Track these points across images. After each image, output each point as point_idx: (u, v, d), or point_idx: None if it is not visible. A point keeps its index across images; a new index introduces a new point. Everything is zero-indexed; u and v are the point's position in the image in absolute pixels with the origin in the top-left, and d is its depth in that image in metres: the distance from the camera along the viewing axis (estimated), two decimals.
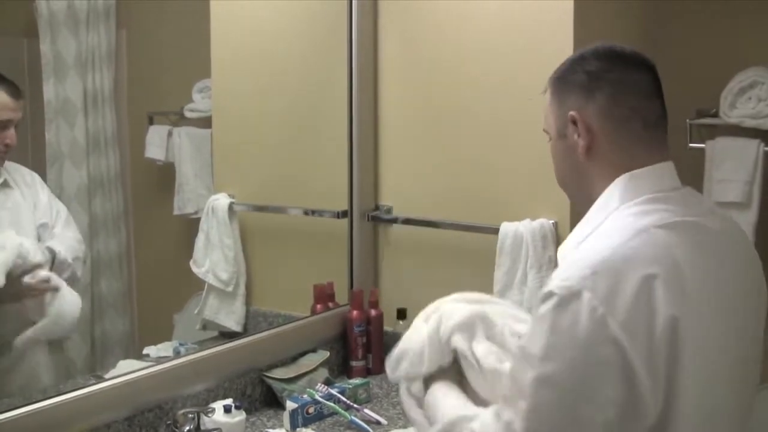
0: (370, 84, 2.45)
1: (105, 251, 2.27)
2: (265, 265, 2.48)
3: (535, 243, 2.12)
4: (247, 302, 2.44)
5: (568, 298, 1.09)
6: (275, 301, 2.44)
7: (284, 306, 2.41)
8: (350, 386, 2.09)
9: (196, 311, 2.39)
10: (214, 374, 1.97)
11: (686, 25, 2.66)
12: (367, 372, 2.31)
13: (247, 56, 2.53)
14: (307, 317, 2.34)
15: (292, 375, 2.11)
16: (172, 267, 2.49)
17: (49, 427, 1.59)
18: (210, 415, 1.80)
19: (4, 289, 1.81)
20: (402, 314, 2.32)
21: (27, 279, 1.88)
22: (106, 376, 1.82)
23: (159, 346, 2.18)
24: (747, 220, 2.45)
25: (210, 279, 2.39)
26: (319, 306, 2.36)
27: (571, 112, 1.28)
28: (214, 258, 2.40)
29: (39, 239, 1.99)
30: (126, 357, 2.16)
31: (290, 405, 1.95)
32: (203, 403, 1.89)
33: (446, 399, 1.36)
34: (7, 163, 1.97)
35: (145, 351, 2.17)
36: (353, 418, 1.97)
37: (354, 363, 2.32)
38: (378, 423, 1.97)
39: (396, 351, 1.45)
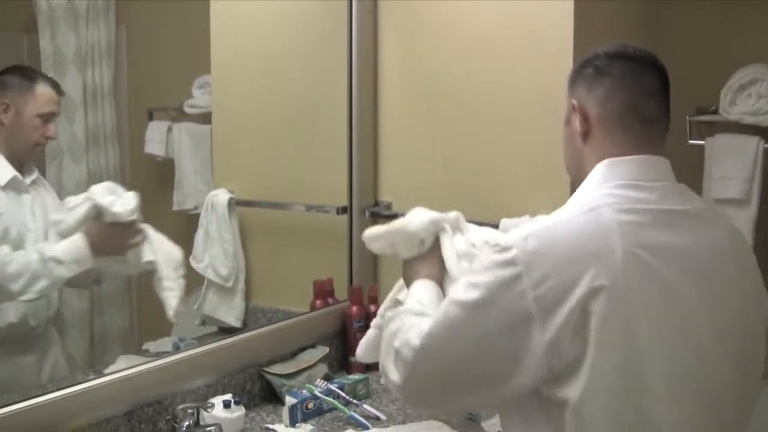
0: (369, 80, 2.45)
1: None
2: (264, 261, 2.48)
3: None
4: (247, 298, 2.44)
5: (504, 252, 1.22)
6: (275, 296, 2.44)
7: (284, 302, 2.41)
8: (349, 382, 2.09)
9: (195, 306, 2.39)
10: (214, 370, 1.97)
11: (686, 22, 2.67)
12: (366, 368, 2.30)
13: (248, 52, 2.53)
14: (306, 313, 2.34)
15: (291, 370, 2.11)
16: None
17: (48, 422, 1.59)
18: (209, 410, 1.80)
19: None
20: None
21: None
22: (106, 371, 1.82)
23: (158, 341, 2.18)
24: (746, 216, 2.46)
25: (209, 274, 2.39)
26: (318, 302, 2.37)
27: (573, 100, 1.39)
28: (213, 253, 2.40)
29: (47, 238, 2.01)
30: (125, 352, 2.16)
31: (289, 400, 1.96)
32: (202, 399, 1.89)
33: (418, 291, 1.53)
34: None
35: (145, 346, 2.17)
36: (352, 413, 1.97)
37: (353, 359, 2.31)
38: (377, 418, 1.98)
39: None
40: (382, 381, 1.45)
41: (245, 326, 2.40)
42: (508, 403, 1.28)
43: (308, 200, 2.49)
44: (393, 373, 1.33)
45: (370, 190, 2.48)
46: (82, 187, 2.19)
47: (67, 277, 1.90)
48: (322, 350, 2.23)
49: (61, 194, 2.10)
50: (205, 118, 2.48)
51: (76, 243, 1.92)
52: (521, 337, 1.19)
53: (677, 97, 2.68)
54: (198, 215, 2.41)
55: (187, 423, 1.75)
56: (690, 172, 2.58)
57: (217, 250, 2.40)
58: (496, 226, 2.19)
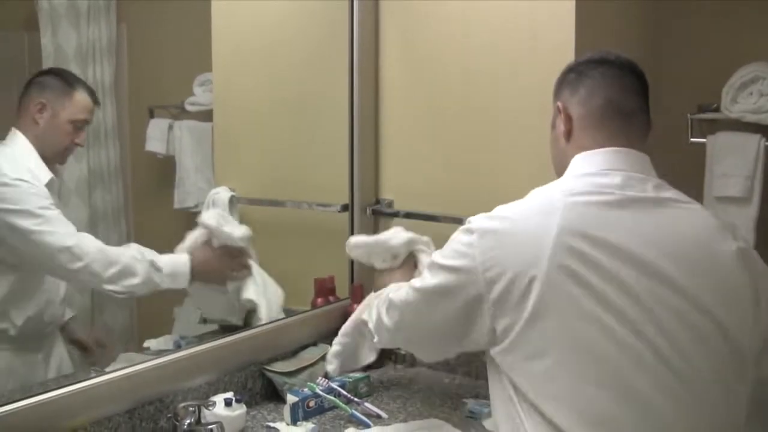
0: (371, 77, 2.45)
1: (105, 244, 2.27)
2: (265, 259, 2.47)
3: None
4: None
5: (467, 229, 1.40)
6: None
7: (285, 300, 2.41)
8: (351, 380, 2.09)
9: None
10: (215, 368, 1.97)
11: (688, 21, 2.66)
12: (367, 366, 2.30)
13: (249, 50, 2.52)
14: (307, 311, 2.34)
15: (292, 368, 2.11)
16: None
17: (49, 420, 1.59)
18: (211, 408, 1.80)
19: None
20: None
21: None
22: (107, 369, 1.82)
23: (159, 339, 2.18)
24: (748, 215, 2.45)
25: None
26: (319, 300, 2.37)
27: (558, 103, 1.51)
28: None
29: None
30: (126, 350, 2.16)
31: (291, 398, 1.96)
32: (204, 397, 1.89)
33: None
34: None
35: (146, 344, 2.17)
36: (354, 411, 1.97)
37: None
38: (379, 417, 1.97)
39: None
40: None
41: (246, 324, 2.39)
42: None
43: (309, 198, 2.49)
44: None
45: (372, 187, 2.48)
46: (83, 184, 2.19)
47: (160, 285, 1.97)
48: (324, 348, 2.23)
49: (62, 192, 2.10)
50: (206, 115, 2.48)
51: (180, 259, 2.04)
52: (470, 301, 1.37)
53: (679, 94, 2.70)
54: (199, 213, 2.41)
55: (188, 421, 1.75)
56: (691, 169, 2.60)
57: None
58: None
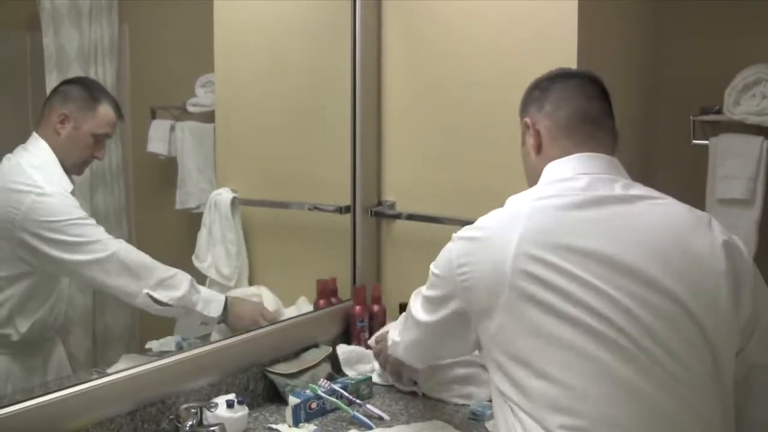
0: (373, 79, 2.45)
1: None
2: (267, 261, 2.48)
3: None
4: None
5: (453, 239, 1.50)
6: (278, 296, 2.43)
7: (287, 301, 2.40)
8: (353, 382, 2.09)
9: None
10: (217, 369, 1.97)
11: (690, 22, 2.66)
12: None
13: (251, 51, 2.52)
14: (309, 313, 2.34)
15: (294, 370, 2.10)
16: (174, 262, 2.46)
17: (51, 421, 1.59)
18: (212, 410, 1.80)
19: None
20: (405, 310, 2.32)
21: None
22: (109, 370, 1.82)
23: (161, 340, 2.17)
24: (750, 217, 2.45)
25: (212, 274, 2.39)
26: (322, 301, 2.36)
27: (526, 119, 1.58)
28: (216, 253, 2.39)
29: None
30: (128, 352, 2.16)
31: (293, 400, 1.95)
32: (206, 398, 1.89)
33: None
34: None
35: (147, 345, 2.16)
36: (356, 413, 1.97)
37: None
38: (381, 418, 1.97)
39: None
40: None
41: None
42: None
43: (311, 199, 2.48)
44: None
45: (374, 189, 2.48)
46: (85, 186, 2.19)
47: (196, 305, 2.03)
48: (326, 350, 2.23)
49: None
50: (208, 116, 2.47)
51: (219, 294, 2.12)
52: (452, 310, 1.49)
53: (681, 96, 2.70)
54: (201, 214, 2.41)
55: (190, 423, 1.75)
56: (694, 171, 2.60)
57: (219, 250, 2.39)
58: None
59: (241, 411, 1.87)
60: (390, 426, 1.93)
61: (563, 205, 1.39)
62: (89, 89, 2.03)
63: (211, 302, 2.07)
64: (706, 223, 1.41)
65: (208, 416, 1.79)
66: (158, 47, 2.42)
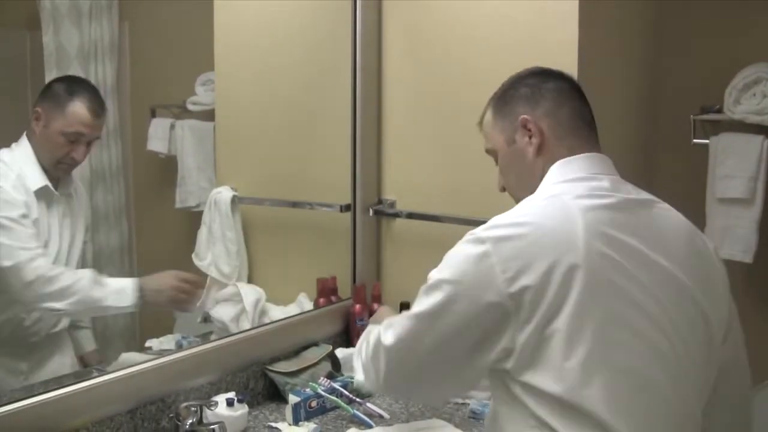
0: (373, 77, 2.44)
1: (106, 244, 2.27)
2: (267, 259, 2.47)
3: None
4: None
5: (474, 241, 1.32)
6: (277, 294, 2.44)
7: (287, 300, 2.40)
8: (353, 380, 2.09)
9: (197, 304, 2.38)
10: (217, 367, 1.97)
11: (690, 21, 2.66)
12: None
13: (251, 49, 2.52)
14: (309, 311, 2.34)
15: (294, 369, 2.10)
16: (174, 260, 2.48)
17: (51, 420, 1.59)
18: (212, 408, 1.80)
19: None
20: (405, 308, 2.31)
21: None
22: (109, 369, 1.82)
23: (161, 339, 2.17)
24: (751, 216, 2.45)
25: (212, 272, 2.39)
26: (322, 300, 2.36)
27: (523, 116, 1.47)
28: (216, 251, 2.39)
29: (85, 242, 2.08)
30: (128, 350, 2.15)
31: (293, 399, 1.95)
32: (206, 397, 1.89)
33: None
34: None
35: (148, 344, 2.16)
36: (356, 411, 1.97)
37: None
38: (381, 417, 1.97)
39: None
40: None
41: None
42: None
43: (311, 198, 2.48)
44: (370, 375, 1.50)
45: (374, 187, 2.48)
46: (85, 183, 2.19)
47: (103, 301, 1.94)
48: (326, 348, 2.23)
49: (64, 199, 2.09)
50: (208, 115, 2.47)
51: (128, 282, 1.99)
52: (488, 316, 1.27)
53: (682, 95, 2.70)
54: (201, 213, 2.41)
55: (190, 421, 1.74)
56: (694, 171, 2.60)
57: (219, 248, 2.39)
58: None
59: (241, 409, 1.87)
60: (390, 424, 1.93)
61: (608, 205, 1.34)
62: (67, 87, 1.97)
63: (122, 291, 1.96)
64: (697, 229, 1.44)
65: (208, 415, 1.79)
66: (158, 46, 2.42)
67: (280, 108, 2.53)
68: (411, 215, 2.41)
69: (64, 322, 2.05)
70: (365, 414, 1.96)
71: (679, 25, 2.69)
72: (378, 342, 1.44)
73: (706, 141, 2.53)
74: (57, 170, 1.97)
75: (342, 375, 2.16)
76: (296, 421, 1.93)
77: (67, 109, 1.93)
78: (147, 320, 2.32)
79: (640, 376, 1.26)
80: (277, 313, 2.31)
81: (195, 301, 2.12)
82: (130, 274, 2.28)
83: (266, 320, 2.25)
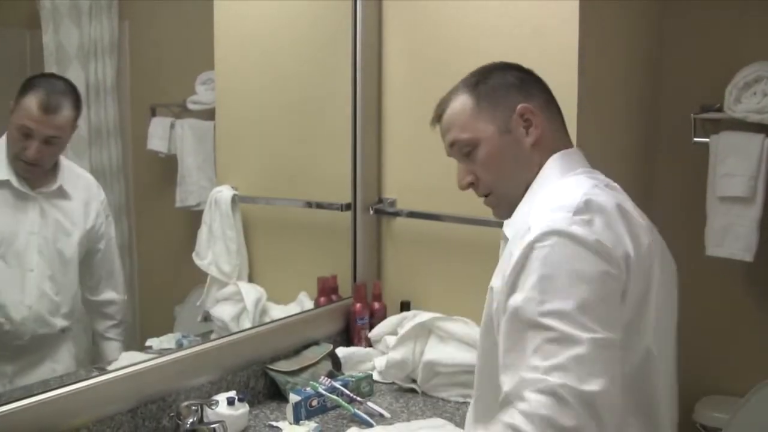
0: (374, 75, 2.44)
1: None
2: (267, 258, 2.47)
3: None
4: None
5: (568, 236, 1.21)
6: (278, 293, 2.44)
7: (287, 299, 2.40)
8: (353, 379, 2.09)
9: (198, 303, 2.38)
10: (217, 367, 1.97)
11: (690, 20, 2.66)
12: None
13: (251, 48, 2.52)
14: (310, 310, 2.34)
15: (295, 368, 2.11)
16: (174, 259, 2.48)
17: (51, 419, 1.59)
18: (213, 407, 1.80)
19: None
20: (405, 307, 2.32)
21: None
22: (109, 368, 1.82)
23: (162, 338, 2.17)
24: (751, 215, 2.45)
25: (212, 271, 2.39)
26: (322, 299, 2.37)
27: (524, 104, 1.42)
28: (216, 250, 2.39)
29: (88, 242, 2.05)
30: (128, 349, 2.15)
31: (293, 398, 1.95)
32: (206, 396, 1.89)
33: None
34: (65, 167, 2.00)
35: (148, 343, 2.16)
36: (356, 411, 1.97)
37: None
38: (381, 416, 1.97)
39: None
40: None
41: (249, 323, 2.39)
42: None
43: (312, 197, 2.48)
44: None
45: (374, 186, 2.48)
46: None
47: None
48: (326, 347, 2.23)
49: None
50: (209, 114, 2.47)
51: None
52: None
53: (682, 94, 2.70)
54: (201, 212, 2.41)
55: (191, 420, 1.75)
56: (695, 169, 2.60)
57: (220, 247, 2.39)
58: (499, 224, 2.19)
59: (242, 408, 1.87)
60: (390, 423, 1.93)
61: (616, 197, 1.35)
62: (32, 81, 1.93)
63: None
64: None
65: (209, 413, 1.79)
66: (158, 45, 2.41)
67: (281, 107, 2.53)
68: (411, 214, 2.41)
69: (54, 326, 1.99)
70: (366, 413, 1.96)
71: (680, 25, 2.69)
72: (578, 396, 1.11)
73: (707, 140, 2.53)
74: (17, 167, 1.90)
75: (342, 374, 2.16)
76: (297, 420, 1.93)
77: (21, 103, 1.89)
78: (147, 319, 2.32)
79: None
80: (278, 312, 2.31)
81: None
82: (130, 273, 2.28)
83: (267, 319, 2.25)
